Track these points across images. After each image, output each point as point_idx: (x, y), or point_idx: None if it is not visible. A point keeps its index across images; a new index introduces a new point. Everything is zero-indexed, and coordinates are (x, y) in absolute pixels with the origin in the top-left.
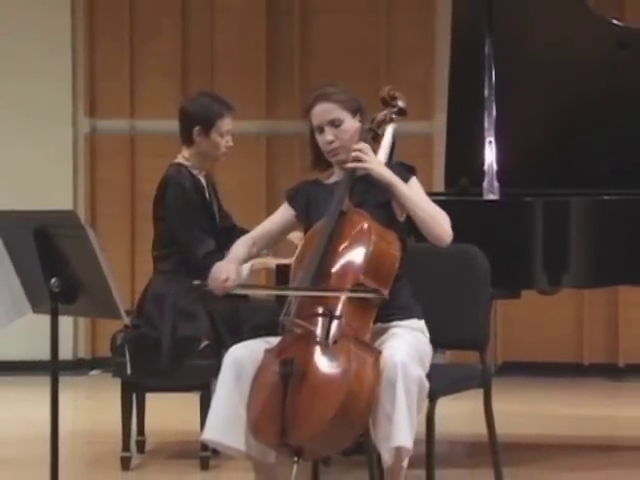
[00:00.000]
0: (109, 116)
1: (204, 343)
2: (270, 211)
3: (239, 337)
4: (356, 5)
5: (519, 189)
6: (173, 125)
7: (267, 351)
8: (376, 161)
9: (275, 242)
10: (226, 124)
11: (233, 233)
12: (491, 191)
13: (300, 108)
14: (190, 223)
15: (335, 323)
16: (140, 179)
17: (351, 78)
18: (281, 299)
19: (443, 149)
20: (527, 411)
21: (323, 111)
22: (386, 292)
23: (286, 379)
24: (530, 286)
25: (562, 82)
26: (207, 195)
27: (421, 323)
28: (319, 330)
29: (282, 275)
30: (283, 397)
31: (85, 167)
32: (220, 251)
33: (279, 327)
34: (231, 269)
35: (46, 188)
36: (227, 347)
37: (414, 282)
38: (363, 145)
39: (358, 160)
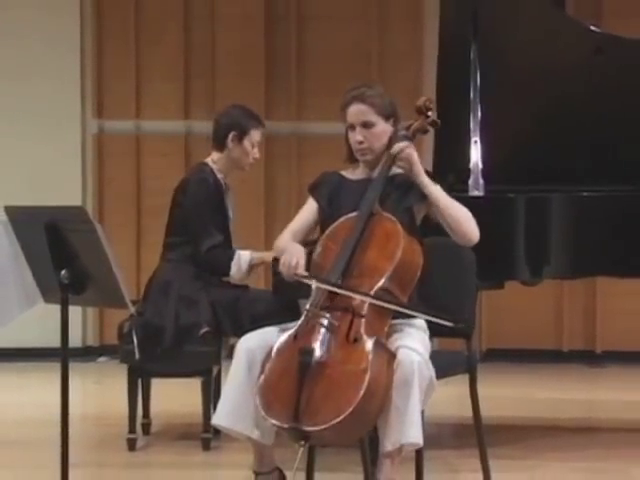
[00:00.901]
0: (116, 117)
1: (204, 329)
2: (268, 209)
3: (239, 326)
4: (349, 12)
5: (503, 186)
6: (176, 126)
7: (281, 331)
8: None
9: (308, 236)
10: (258, 135)
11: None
12: (476, 188)
13: (297, 109)
14: (205, 214)
15: (357, 322)
16: (145, 177)
17: (344, 81)
18: (279, 290)
19: (431, 148)
20: (510, 395)
21: (357, 112)
22: (406, 300)
23: (305, 368)
24: (513, 277)
25: (543, 85)
26: (225, 198)
27: (423, 322)
28: (342, 326)
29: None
30: (299, 385)
31: (93, 166)
32: (224, 247)
33: (301, 314)
34: (301, 254)
35: (56, 185)
36: (227, 335)
37: None
38: (410, 145)
39: (408, 159)
